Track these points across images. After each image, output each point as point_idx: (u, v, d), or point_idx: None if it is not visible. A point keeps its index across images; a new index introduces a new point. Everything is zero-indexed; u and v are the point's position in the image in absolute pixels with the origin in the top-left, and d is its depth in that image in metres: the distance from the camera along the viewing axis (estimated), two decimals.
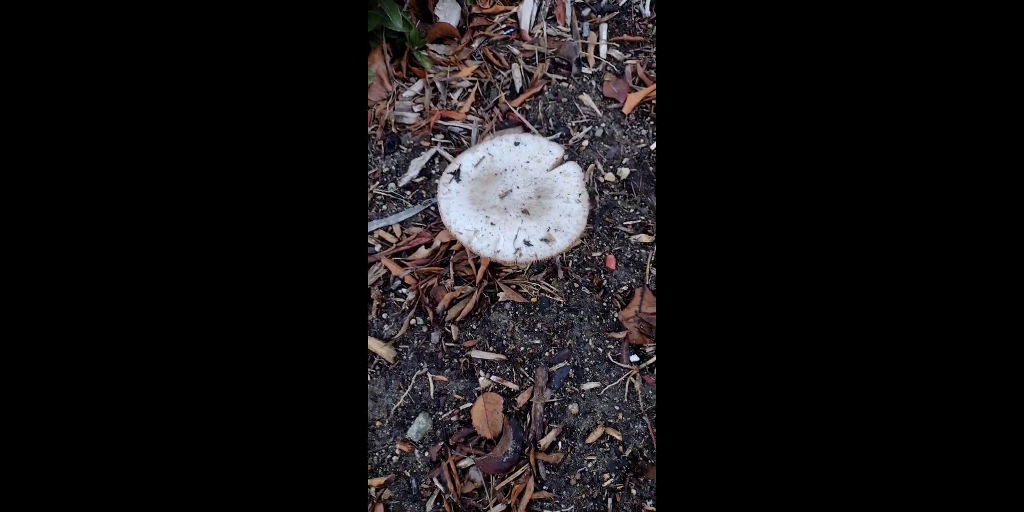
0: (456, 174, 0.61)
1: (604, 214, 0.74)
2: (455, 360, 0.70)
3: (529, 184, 0.60)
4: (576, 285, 0.71)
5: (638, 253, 0.72)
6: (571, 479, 0.64)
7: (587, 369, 0.68)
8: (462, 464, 0.65)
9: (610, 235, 0.73)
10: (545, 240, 0.57)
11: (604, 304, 0.70)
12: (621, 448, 0.64)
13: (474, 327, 0.71)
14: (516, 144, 0.62)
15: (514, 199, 0.60)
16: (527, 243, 0.57)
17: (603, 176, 0.76)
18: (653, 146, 0.77)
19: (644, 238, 0.72)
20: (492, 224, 0.58)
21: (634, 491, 0.62)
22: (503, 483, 0.64)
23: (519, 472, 0.64)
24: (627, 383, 0.66)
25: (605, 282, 0.71)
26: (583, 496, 0.63)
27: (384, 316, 0.73)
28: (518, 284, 0.71)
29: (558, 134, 0.79)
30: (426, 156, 0.80)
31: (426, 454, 0.66)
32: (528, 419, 0.66)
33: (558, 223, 0.58)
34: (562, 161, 0.62)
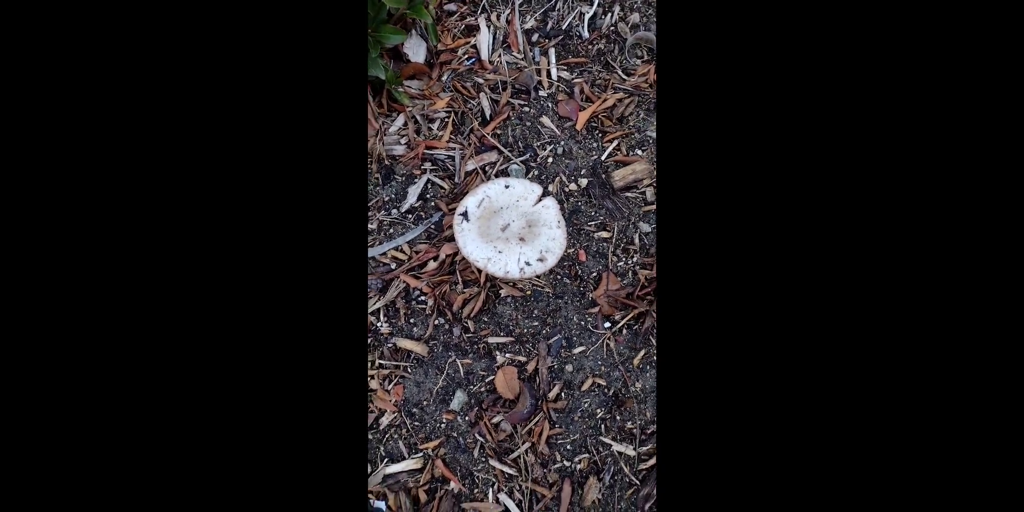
0: (465, 215, 0.79)
1: (572, 217, 0.94)
2: (475, 346, 0.91)
3: (521, 217, 0.79)
4: (559, 277, 0.92)
5: (601, 246, 0.93)
6: (574, 417, 0.89)
7: (575, 338, 0.91)
8: (494, 420, 0.89)
9: (579, 234, 0.93)
10: (540, 260, 0.77)
11: (580, 288, 0.92)
12: (606, 390, 0.89)
13: (485, 319, 0.92)
14: (506, 187, 0.80)
15: (512, 230, 0.79)
16: (527, 263, 0.77)
17: (567, 186, 0.95)
18: (604, 156, 0.96)
19: (604, 234, 0.93)
20: (499, 252, 0.77)
21: (618, 417, 0.88)
22: (526, 428, 0.88)
23: (536, 419, 0.89)
24: (604, 344, 0.90)
25: (579, 271, 0.92)
26: (584, 426, 0.88)
27: (412, 321, 0.92)
28: (514, 282, 0.92)
29: (527, 155, 0.96)
30: (420, 183, 0.96)
31: (467, 418, 0.89)
32: (537, 380, 0.90)
33: (547, 246, 0.78)
34: (542, 196, 0.80)
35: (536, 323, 0.91)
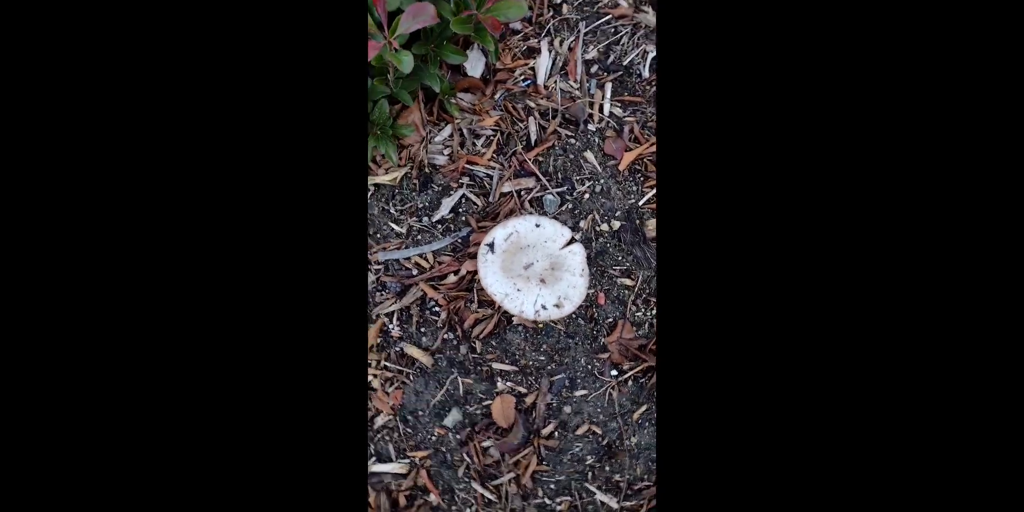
0: (491, 246, 0.79)
1: (598, 258, 0.93)
2: (479, 368, 0.92)
3: (546, 258, 0.79)
4: (573, 317, 0.92)
5: (622, 292, 0.93)
6: (564, 458, 0.90)
7: (579, 380, 0.91)
8: (484, 444, 0.91)
9: (601, 276, 0.93)
10: (556, 306, 0.77)
11: (594, 331, 0.92)
12: (600, 439, 0.90)
13: (493, 344, 0.93)
14: (537, 226, 0.79)
15: (535, 270, 0.79)
16: (543, 307, 0.78)
17: (599, 226, 0.94)
18: (642, 202, 0.94)
19: (627, 281, 0.93)
20: (518, 290, 0.77)
21: (607, 468, 0.89)
22: (514, 459, 0.90)
23: (526, 451, 0.90)
24: (607, 392, 0.91)
25: (595, 314, 0.92)
26: (571, 469, 0.89)
27: (423, 330, 0.94)
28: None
29: (565, 187, 0.95)
30: (455, 196, 0.96)
31: (457, 436, 0.91)
32: (533, 414, 0.91)
33: (566, 293, 0.78)
34: (571, 241, 0.80)
35: (543, 358, 0.92)
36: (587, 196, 0.94)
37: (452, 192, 0.95)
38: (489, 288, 0.78)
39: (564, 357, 0.91)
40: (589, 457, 0.89)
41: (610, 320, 0.92)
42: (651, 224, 0.92)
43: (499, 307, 0.91)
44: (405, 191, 0.96)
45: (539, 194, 0.94)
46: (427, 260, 0.95)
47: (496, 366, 0.92)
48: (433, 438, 0.91)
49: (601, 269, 0.92)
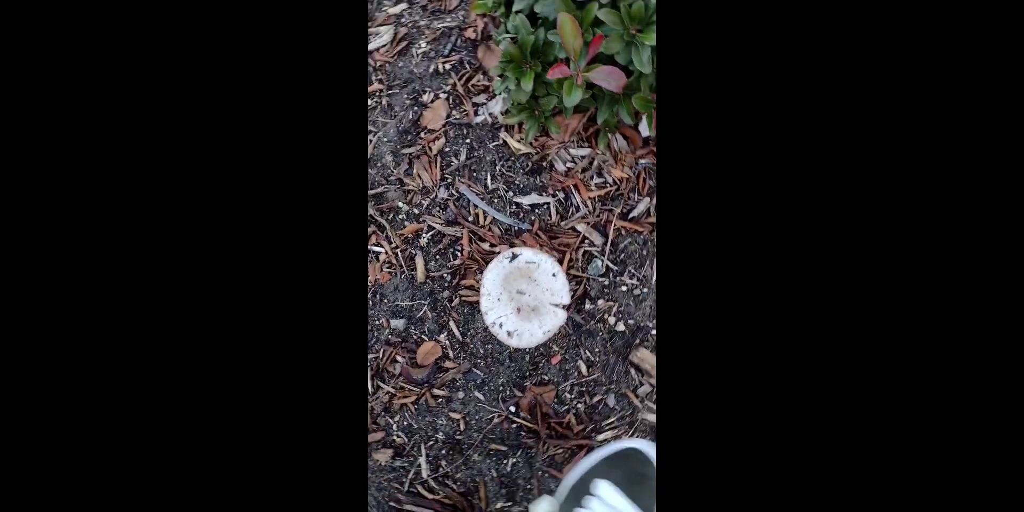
0: (513, 257, 0.91)
1: (580, 336, 1.02)
2: (442, 316, 1.09)
3: (535, 301, 0.90)
4: (516, 352, 1.05)
5: (575, 371, 1.03)
6: (431, 418, 1.08)
7: (486, 387, 1.06)
8: (397, 357, 1.10)
9: (569, 347, 1.03)
10: (509, 334, 0.90)
11: (525, 372, 1.05)
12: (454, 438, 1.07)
13: (466, 311, 1.08)
14: (553, 275, 0.89)
15: (521, 299, 0.91)
16: (500, 326, 0.91)
17: (608, 316, 1.02)
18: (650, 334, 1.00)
19: (583, 369, 1.02)
20: (498, 300, 0.90)
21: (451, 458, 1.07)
22: (400, 387, 1.09)
23: (414, 391, 1.09)
24: (501, 421, 1.06)
25: (540, 363, 1.04)
26: (427, 426, 1.09)
27: (438, 257, 1.10)
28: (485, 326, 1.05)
29: (617, 267, 1.02)
30: (546, 198, 1.05)
31: (388, 336, 1.11)
32: (441, 376, 1.08)
33: (525, 332, 0.90)
34: (564, 307, 0.90)
35: (486, 351, 1.06)
36: (624, 288, 1.01)
37: (545, 194, 1.05)
38: (484, 283, 0.91)
39: (493, 367, 1.05)
40: (440, 434, 1.07)
41: (546, 378, 1.03)
42: (641, 353, 0.99)
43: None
44: (517, 166, 1.06)
45: (596, 252, 1.02)
46: (482, 218, 1.06)
47: (452, 326, 1.08)
48: (376, 322, 1.11)
49: (576, 343, 1.02)
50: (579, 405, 1.02)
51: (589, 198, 1.03)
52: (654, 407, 0.99)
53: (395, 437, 1.07)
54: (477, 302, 1.04)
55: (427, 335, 1.08)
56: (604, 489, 0.86)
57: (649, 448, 0.88)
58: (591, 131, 1.03)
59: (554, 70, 0.71)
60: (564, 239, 1.03)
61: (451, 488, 1.05)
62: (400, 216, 1.11)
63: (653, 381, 0.99)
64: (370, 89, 1.16)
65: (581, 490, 0.90)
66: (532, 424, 1.02)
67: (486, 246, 1.06)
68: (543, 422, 1.01)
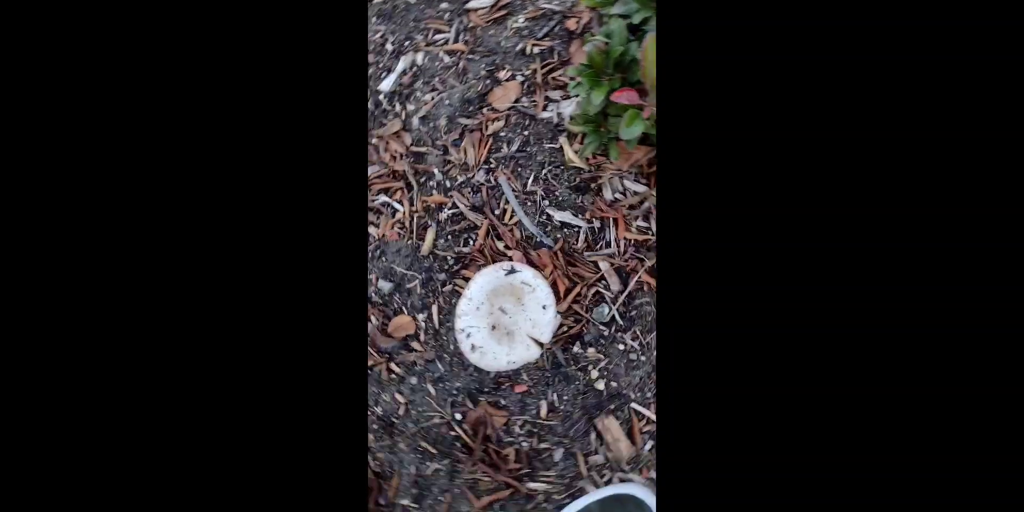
0: (511, 271, 0.83)
1: (551, 373, 0.94)
2: (436, 294, 1.03)
3: (515, 324, 0.82)
4: (459, 358, 0.97)
5: (523, 413, 0.95)
6: (400, 388, 1.05)
7: (443, 382, 1.01)
8: (374, 318, 1.06)
9: (536, 384, 0.95)
10: (472, 348, 0.83)
11: (482, 385, 0.98)
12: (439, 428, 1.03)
13: (454, 300, 1.01)
14: (544, 307, 0.81)
15: (498, 316, 0.83)
16: (468, 335, 0.84)
17: (591, 371, 0.93)
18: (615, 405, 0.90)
19: (543, 415, 0.95)
20: (476, 309, 0.83)
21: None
22: (374, 346, 1.05)
23: (384, 358, 1.05)
24: (446, 423, 1.00)
25: (501, 389, 0.97)
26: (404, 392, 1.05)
27: (457, 234, 1.03)
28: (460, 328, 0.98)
29: (623, 323, 0.92)
30: (573, 211, 0.96)
31: (374, 292, 1.06)
32: (410, 354, 1.03)
33: (488, 352, 0.83)
34: (539, 346, 0.81)
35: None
36: (621, 347, 0.91)
37: (581, 217, 0.94)
38: (471, 287, 0.84)
39: (456, 369, 0.98)
40: (379, 409, 1.03)
41: (502, 401, 0.95)
42: (610, 422, 0.90)
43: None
44: (564, 177, 0.96)
45: (608, 297, 0.92)
46: (508, 215, 0.97)
47: (434, 310, 1.02)
48: (370, 275, 1.07)
49: (547, 381, 0.93)
50: (524, 444, 0.94)
51: (625, 238, 0.92)
52: (599, 480, 0.91)
53: None
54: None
55: (408, 309, 1.03)
56: None
57: (648, 497, 0.83)
58: (654, 169, 0.91)
59: (620, 93, 0.60)
60: (581, 270, 0.93)
61: (368, 462, 1.03)
62: (431, 182, 1.04)
63: (610, 454, 0.90)
64: (452, 47, 1.06)
65: None
66: (470, 440, 0.96)
67: (500, 245, 0.98)
68: (481, 442, 0.95)
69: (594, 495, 0.85)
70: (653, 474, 0.89)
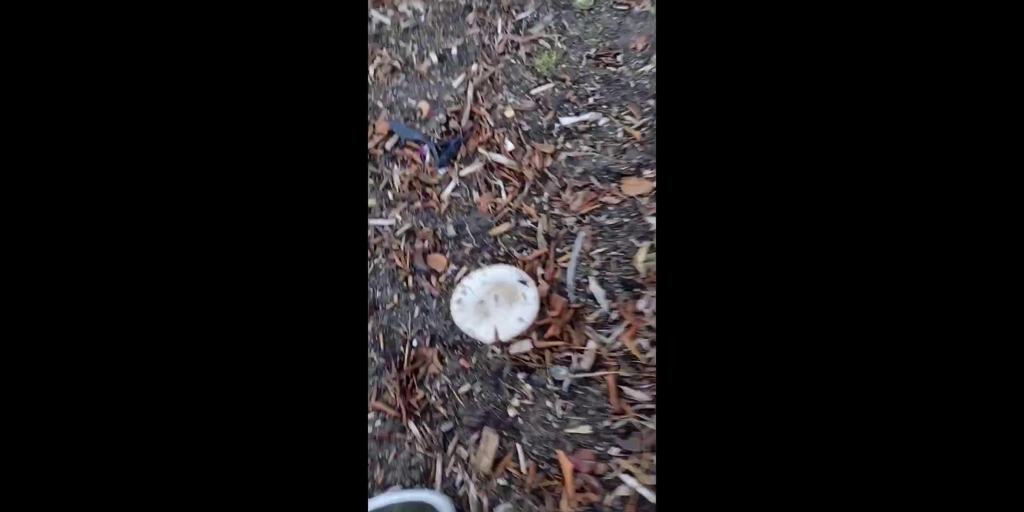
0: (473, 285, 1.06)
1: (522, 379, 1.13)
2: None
3: (491, 327, 1.06)
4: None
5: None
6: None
7: (430, 315, 1.23)
8: (416, 246, 1.30)
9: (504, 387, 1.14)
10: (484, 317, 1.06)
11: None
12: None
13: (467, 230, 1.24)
14: (520, 320, 1.02)
15: (493, 303, 1.05)
16: (460, 301, 1.06)
17: (548, 387, 1.11)
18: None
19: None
20: (466, 290, 1.06)
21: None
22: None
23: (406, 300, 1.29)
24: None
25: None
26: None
27: (478, 185, 1.26)
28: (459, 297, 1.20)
29: (575, 364, 1.10)
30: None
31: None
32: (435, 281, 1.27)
33: (506, 317, 1.06)
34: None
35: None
36: (548, 404, 1.04)
37: (609, 300, 1.14)
38: (499, 267, 1.09)
39: (439, 317, 1.20)
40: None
41: (445, 362, 1.15)
42: (492, 437, 1.05)
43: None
44: (623, 268, 1.17)
45: (572, 362, 1.07)
46: (564, 260, 1.19)
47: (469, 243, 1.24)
48: (447, 224, 1.30)
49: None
50: (431, 399, 1.10)
51: (623, 343, 1.11)
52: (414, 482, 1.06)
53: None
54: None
55: (449, 255, 1.24)
56: None
57: (445, 505, 0.88)
58: None
59: None
60: (573, 335, 1.10)
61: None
62: (538, 198, 1.28)
63: (474, 458, 1.04)
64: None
65: None
66: (407, 362, 1.15)
67: (539, 270, 1.19)
68: (410, 372, 1.15)
69: (395, 496, 0.90)
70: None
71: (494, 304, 1.08)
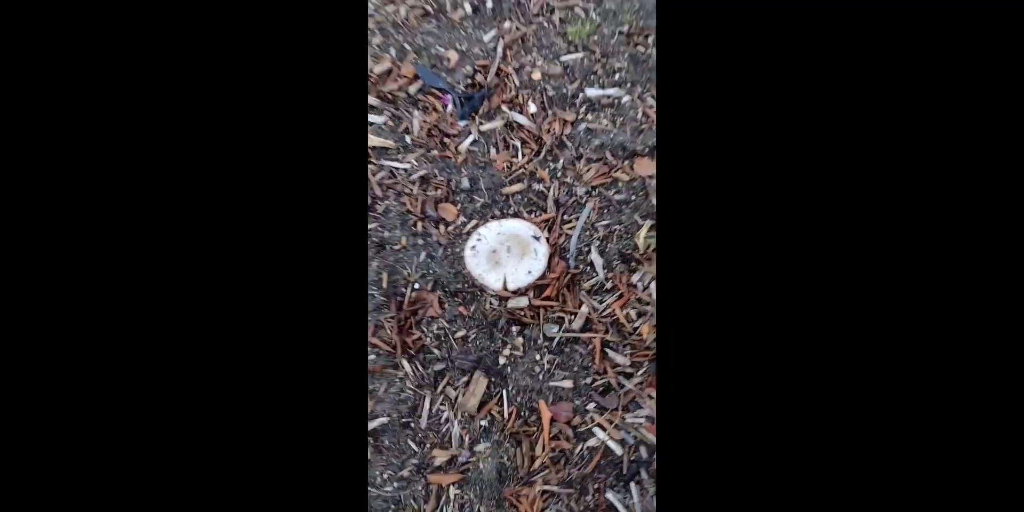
0: (482, 244, 1.10)
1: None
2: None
3: (517, 247, 1.10)
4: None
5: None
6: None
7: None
8: (432, 198, 1.33)
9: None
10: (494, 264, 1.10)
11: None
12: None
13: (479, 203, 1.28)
14: (529, 271, 1.07)
15: (498, 255, 1.11)
16: (473, 247, 1.11)
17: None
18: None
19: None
20: (475, 243, 1.10)
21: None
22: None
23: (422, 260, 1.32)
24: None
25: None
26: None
27: (496, 143, 1.30)
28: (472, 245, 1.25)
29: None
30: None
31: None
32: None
33: (514, 268, 1.11)
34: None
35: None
36: (537, 357, 1.13)
37: (606, 270, 1.21)
38: (516, 220, 1.14)
39: (448, 262, 1.25)
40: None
41: (445, 306, 1.21)
42: (482, 380, 1.12)
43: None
44: (624, 242, 1.23)
45: (564, 322, 1.16)
46: (569, 226, 1.25)
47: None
48: (463, 176, 1.34)
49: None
50: (426, 340, 1.17)
51: (618, 308, 1.18)
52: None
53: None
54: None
55: (461, 206, 1.27)
56: None
57: None
58: None
59: None
60: (568, 298, 1.19)
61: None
62: (554, 164, 1.32)
63: (462, 398, 1.13)
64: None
65: None
66: (398, 307, 1.21)
67: (546, 233, 1.25)
68: (409, 313, 1.20)
69: None
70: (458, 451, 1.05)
71: (506, 255, 1.13)
